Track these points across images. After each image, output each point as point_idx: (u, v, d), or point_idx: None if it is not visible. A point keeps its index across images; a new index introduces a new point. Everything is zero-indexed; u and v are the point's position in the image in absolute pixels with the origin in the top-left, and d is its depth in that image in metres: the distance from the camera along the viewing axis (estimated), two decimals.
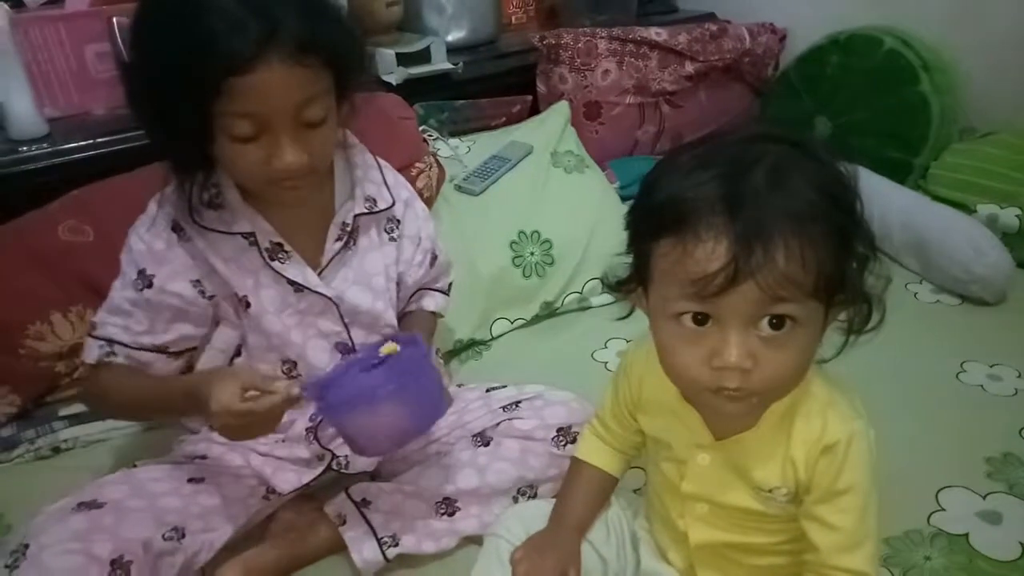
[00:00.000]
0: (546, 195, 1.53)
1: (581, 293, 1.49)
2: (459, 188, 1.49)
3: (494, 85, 1.76)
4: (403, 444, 0.88)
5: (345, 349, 0.97)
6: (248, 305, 0.93)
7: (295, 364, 0.96)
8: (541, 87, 1.82)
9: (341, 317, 0.96)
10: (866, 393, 1.15)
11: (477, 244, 1.41)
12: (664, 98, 1.90)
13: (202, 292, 0.92)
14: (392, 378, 0.80)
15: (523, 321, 1.46)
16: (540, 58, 1.81)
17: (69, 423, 1.18)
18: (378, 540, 0.93)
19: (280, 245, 0.92)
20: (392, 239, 1.02)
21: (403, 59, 1.61)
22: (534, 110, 1.78)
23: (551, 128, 1.66)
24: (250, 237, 0.91)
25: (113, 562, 0.77)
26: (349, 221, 0.96)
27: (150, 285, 0.90)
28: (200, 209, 0.90)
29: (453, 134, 1.64)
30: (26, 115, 1.32)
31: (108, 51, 1.45)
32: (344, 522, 0.96)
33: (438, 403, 0.85)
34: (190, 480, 0.93)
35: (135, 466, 0.95)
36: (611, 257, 0.71)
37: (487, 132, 1.69)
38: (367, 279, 0.99)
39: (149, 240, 0.92)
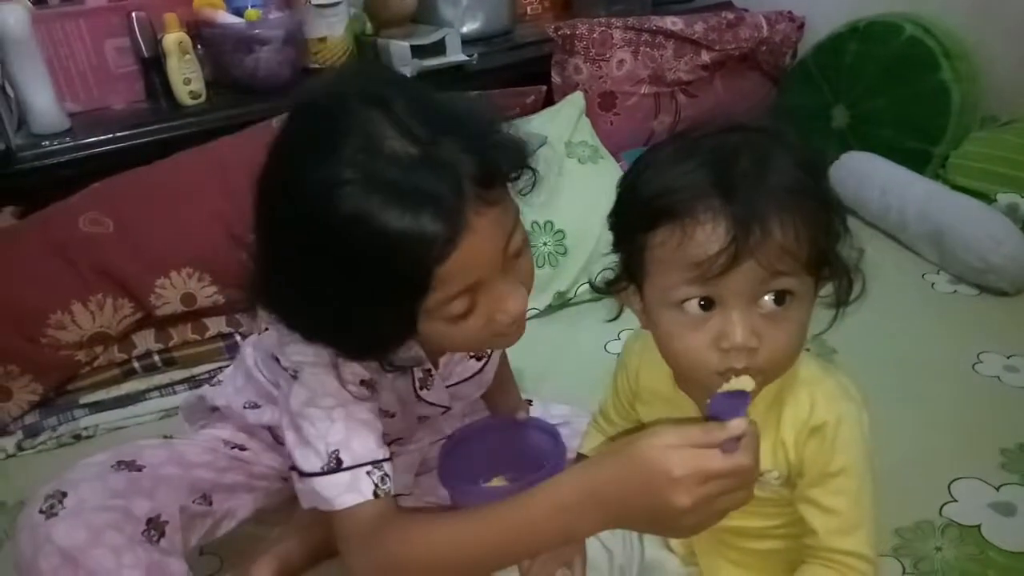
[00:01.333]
0: (559, 185, 1.53)
1: (595, 281, 1.49)
2: None
3: (509, 76, 1.76)
4: None
5: (423, 419, 0.95)
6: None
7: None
8: (556, 78, 1.82)
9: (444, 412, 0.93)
10: (881, 383, 1.16)
11: None
12: (680, 88, 1.89)
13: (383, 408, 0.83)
14: (527, 485, 0.75)
15: (536, 311, 1.46)
16: (555, 49, 1.81)
17: (90, 411, 1.21)
18: None
19: (429, 372, 0.84)
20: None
21: (418, 51, 1.62)
22: (549, 101, 1.78)
23: (566, 119, 1.66)
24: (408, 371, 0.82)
25: (150, 520, 0.78)
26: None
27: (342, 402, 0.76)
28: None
29: None
30: (47, 110, 1.35)
31: (127, 46, 1.48)
32: None
33: None
34: (224, 460, 0.93)
35: (172, 437, 0.94)
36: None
37: None
38: (483, 379, 0.93)
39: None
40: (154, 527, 0.78)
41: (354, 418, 0.74)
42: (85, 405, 1.21)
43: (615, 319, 0.74)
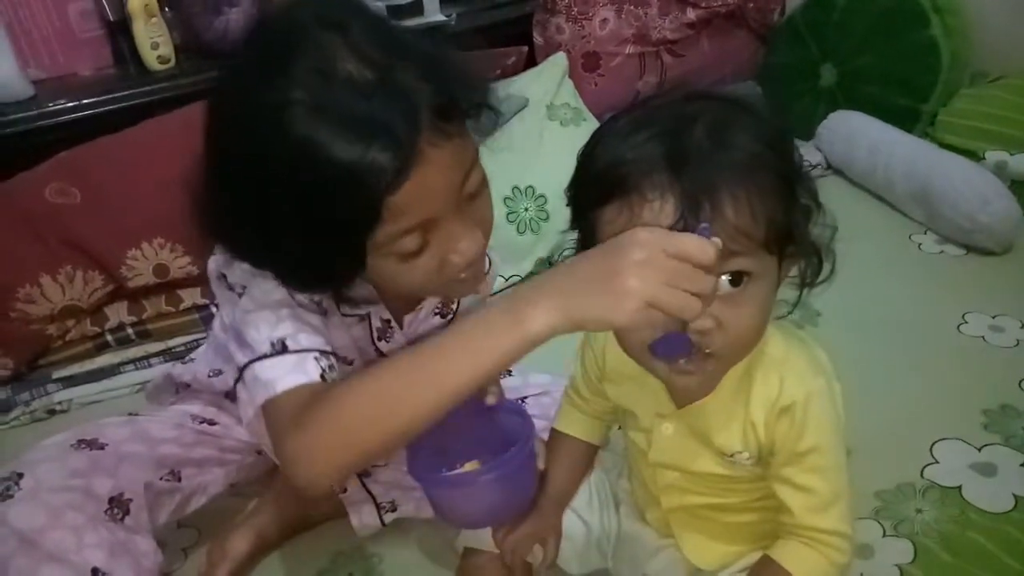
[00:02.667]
0: (541, 149, 1.50)
1: (558, 258, 1.47)
2: None
3: (489, 37, 1.72)
4: (491, 524, 0.82)
5: None
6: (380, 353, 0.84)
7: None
8: (538, 38, 1.78)
9: None
10: (864, 344, 1.16)
11: None
12: (665, 47, 1.85)
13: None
14: (502, 467, 0.76)
15: (518, 278, 1.44)
16: (536, 8, 1.76)
17: (63, 385, 1.19)
18: (377, 506, 0.94)
19: (388, 323, 0.82)
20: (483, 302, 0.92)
21: (394, 11, 1.57)
22: (531, 62, 1.74)
23: (548, 80, 1.62)
24: (366, 316, 0.80)
25: (112, 499, 0.77)
26: (455, 304, 0.86)
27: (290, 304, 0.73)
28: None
29: None
30: (10, 77, 1.31)
31: (92, 9, 1.43)
32: (344, 490, 0.96)
33: (531, 489, 0.81)
34: (192, 434, 0.92)
35: (137, 414, 0.92)
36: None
37: None
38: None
39: (297, 319, 0.71)
40: (117, 505, 0.77)
41: (302, 319, 0.70)
42: (58, 380, 1.20)
43: None
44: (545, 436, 0.90)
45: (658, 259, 0.52)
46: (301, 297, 0.71)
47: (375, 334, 0.83)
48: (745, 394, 0.65)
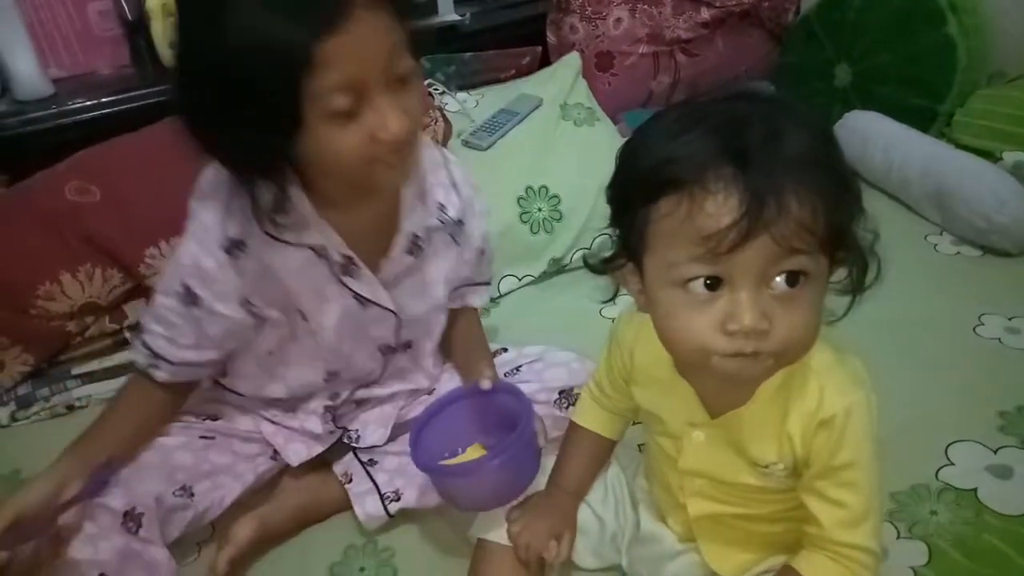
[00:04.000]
0: (555, 149, 1.50)
1: (590, 249, 1.47)
2: (466, 143, 1.47)
3: (503, 36, 1.72)
4: (498, 505, 0.83)
5: (386, 350, 0.96)
6: (305, 318, 0.88)
7: (338, 374, 0.95)
8: (551, 38, 1.78)
9: (397, 326, 0.93)
10: (880, 345, 1.15)
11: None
12: (679, 47, 1.84)
13: (252, 311, 0.85)
14: (507, 450, 0.79)
15: (531, 278, 1.45)
16: (550, 7, 1.76)
17: (83, 381, 1.20)
18: (381, 495, 0.95)
19: (350, 259, 0.85)
20: (456, 243, 0.96)
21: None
22: (544, 62, 1.74)
23: (561, 80, 1.62)
24: (320, 249, 0.83)
25: (126, 513, 0.80)
26: (421, 234, 0.89)
27: (196, 303, 0.83)
28: (265, 218, 0.79)
29: (461, 88, 1.61)
30: (31, 76, 1.33)
31: (111, 9, 1.44)
32: (350, 480, 0.98)
33: (534, 467, 0.84)
34: (202, 437, 0.94)
35: None
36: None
37: (496, 85, 1.65)
38: (427, 288, 0.94)
39: (196, 255, 0.81)
40: (131, 519, 0.80)
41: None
42: (77, 376, 1.21)
43: (610, 300, 0.70)
44: (541, 401, 0.94)
45: None
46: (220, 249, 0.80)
47: (337, 269, 0.84)
48: (782, 405, 0.63)
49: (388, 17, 0.69)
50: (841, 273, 0.60)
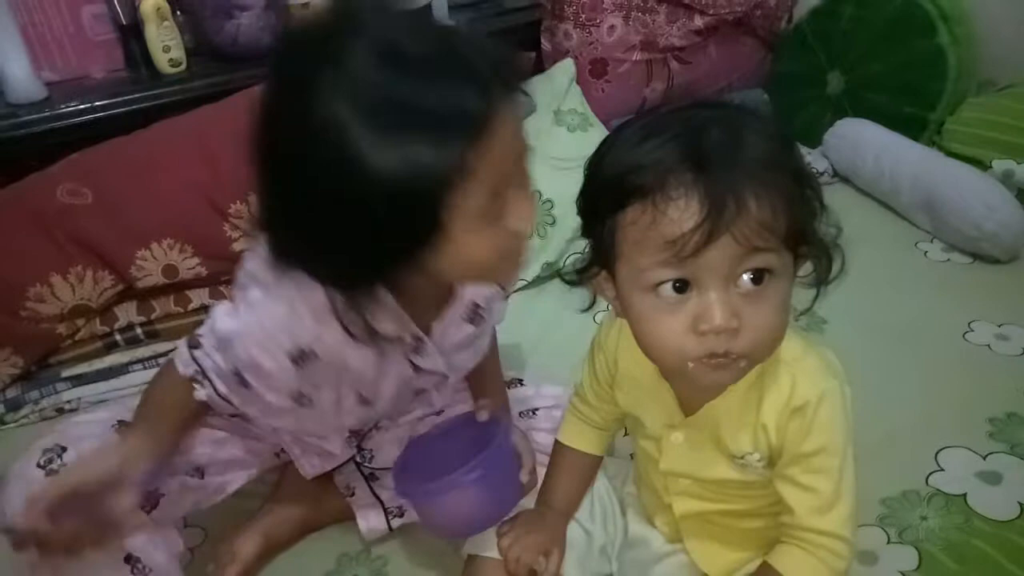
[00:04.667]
0: (548, 154, 1.50)
1: (583, 254, 1.47)
2: None
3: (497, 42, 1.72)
4: (475, 532, 0.82)
5: (421, 392, 0.93)
6: (362, 396, 0.84)
7: (371, 403, 0.87)
8: (545, 44, 1.79)
9: (441, 380, 0.90)
10: (870, 352, 1.16)
11: None
12: (672, 54, 1.85)
13: (302, 401, 0.79)
14: (483, 466, 0.78)
15: (524, 282, 1.45)
16: (544, 14, 1.77)
17: (72, 384, 1.20)
18: (385, 510, 0.94)
19: (419, 338, 0.79)
20: (473, 323, 0.89)
21: None
22: (539, 68, 1.75)
23: (555, 86, 1.63)
24: (395, 337, 0.77)
25: (149, 494, 0.78)
26: (482, 303, 0.85)
27: (246, 386, 0.75)
28: (352, 321, 0.71)
29: None
30: (23, 79, 1.32)
31: (105, 13, 1.44)
32: (352, 493, 0.97)
33: (516, 492, 0.82)
34: (221, 431, 0.91)
35: None
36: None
37: None
38: (476, 346, 0.91)
39: (256, 357, 0.73)
40: (149, 498, 0.78)
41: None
42: (67, 378, 1.20)
43: (587, 309, 0.72)
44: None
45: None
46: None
47: (408, 350, 0.80)
48: (756, 396, 0.65)
49: (515, 103, 0.63)
50: (808, 268, 0.62)
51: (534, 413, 1.00)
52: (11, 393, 1.18)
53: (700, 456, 0.69)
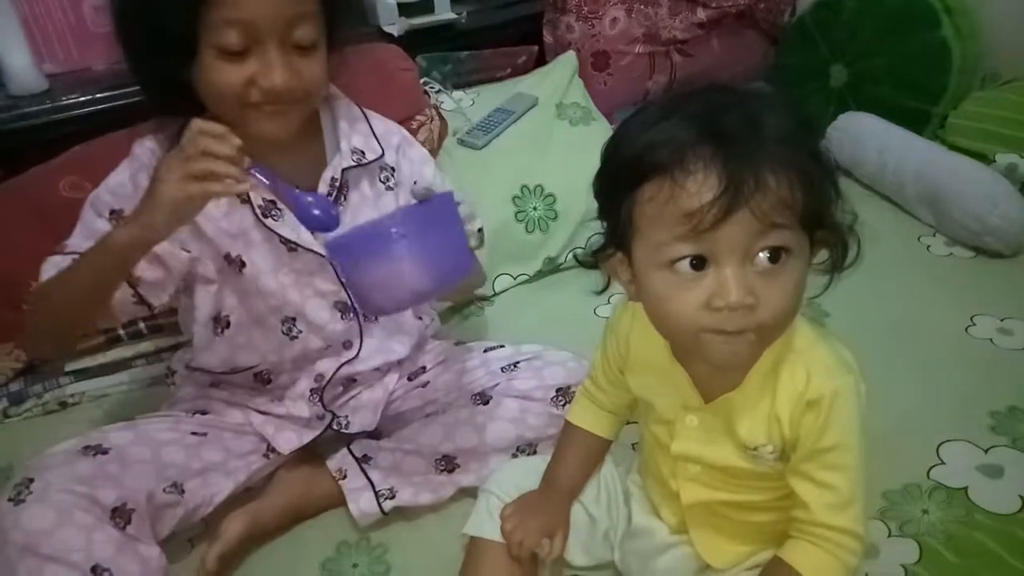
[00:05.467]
0: (550, 148, 1.50)
1: (584, 248, 1.47)
2: (461, 142, 1.47)
3: (500, 35, 1.72)
4: (421, 299, 0.80)
5: (344, 308, 0.96)
6: (243, 265, 0.91)
7: (295, 321, 0.95)
8: (548, 37, 1.78)
9: (337, 276, 0.94)
10: (872, 345, 1.15)
11: (479, 199, 1.38)
12: (675, 47, 1.85)
13: (182, 246, 0.89)
14: (411, 219, 0.74)
15: (526, 277, 1.45)
16: (547, 7, 1.76)
17: (75, 378, 1.20)
18: (375, 492, 0.95)
19: (273, 203, 0.89)
20: (389, 188, 0.99)
21: (405, 9, 1.58)
22: (541, 61, 1.74)
23: (557, 79, 1.62)
24: (241, 194, 0.87)
25: (115, 509, 0.79)
26: (337, 176, 0.93)
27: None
28: None
29: (457, 86, 1.61)
30: (25, 70, 1.32)
31: (106, 5, 1.44)
32: (344, 476, 0.97)
33: (461, 256, 0.78)
34: (193, 433, 0.94)
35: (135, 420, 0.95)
36: None
37: (492, 84, 1.65)
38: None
39: (133, 185, 0.89)
40: (119, 515, 0.79)
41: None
42: (70, 372, 1.20)
43: (601, 292, 0.72)
44: (538, 398, 0.95)
45: (174, 163, 0.73)
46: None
47: (258, 211, 0.88)
48: (771, 387, 0.65)
49: None
50: (823, 256, 0.62)
51: (515, 366, 1.01)
52: (14, 387, 1.18)
53: (713, 442, 0.69)
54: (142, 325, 1.24)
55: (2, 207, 1.19)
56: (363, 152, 0.96)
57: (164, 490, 0.86)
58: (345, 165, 0.94)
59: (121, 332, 1.23)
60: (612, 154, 0.63)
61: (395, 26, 1.55)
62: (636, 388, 0.76)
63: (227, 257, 0.91)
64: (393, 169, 1.00)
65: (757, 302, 0.57)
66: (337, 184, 0.93)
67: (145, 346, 1.25)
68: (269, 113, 0.82)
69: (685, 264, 0.58)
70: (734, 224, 0.55)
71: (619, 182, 0.61)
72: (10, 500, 0.76)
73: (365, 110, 1.01)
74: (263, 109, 0.82)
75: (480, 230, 1.10)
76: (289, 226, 0.91)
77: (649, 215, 0.59)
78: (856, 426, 0.64)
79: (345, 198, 0.95)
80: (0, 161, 1.29)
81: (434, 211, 0.77)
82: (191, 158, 0.73)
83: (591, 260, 0.68)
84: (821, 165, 0.59)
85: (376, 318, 0.99)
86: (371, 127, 0.99)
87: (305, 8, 0.79)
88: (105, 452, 0.84)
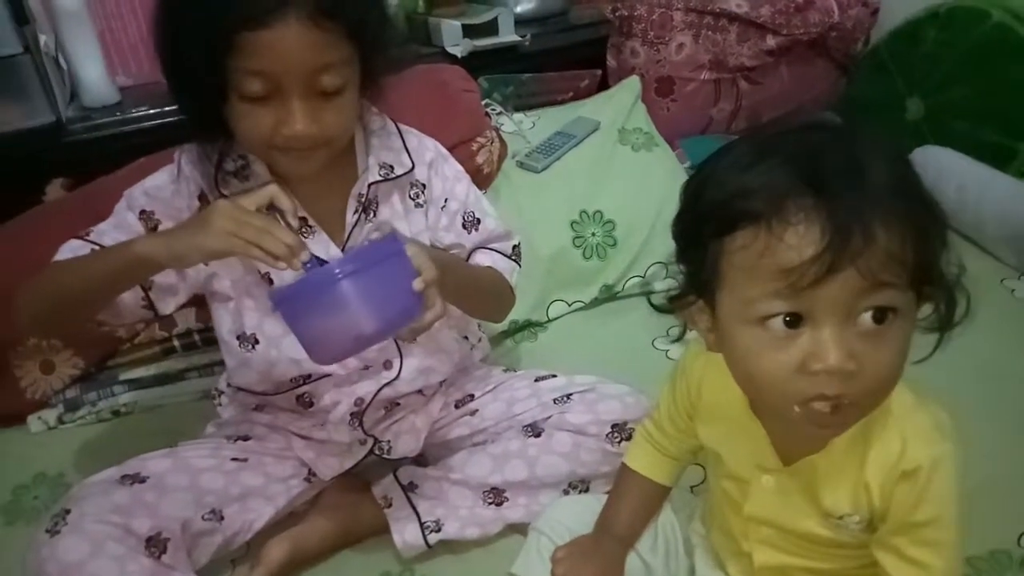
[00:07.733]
0: (611, 174, 1.47)
1: (643, 277, 1.43)
2: (521, 164, 1.45)
3: (563, 59, 1.71)
4: (360, 347, 0.77)
5: None
6: (271, 283, 0.90)
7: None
8: (611, 61, 1.76)
9: None
10: (953, 397, 1.07)
11: (537, 223, 1.37)
12: (742, 74, 1.80)
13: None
14: (352, 260, 0.72)
15: (581, 304, 1.41)
16: (612, 31, 1.74)
17: (128, 387, 1.21)
18: (421, 524, 0.92)
19: (304, 220, 0.89)
20: (419, 205, 0.97)
21: (469, 31, 1.57)
22: (603, 85, 1.72)
23: (620, 104, 1.60)
24: (275, 212, 0.85)
25: (150, 539, 0.79)
26: (364, 191, 0.92)
27: (153, 227, 0.90)
28: (227, 179, 0.89)
29: (518, 108, 1.59)
30: (98, 83, 1.35)
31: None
32: (390, 504, 0.95)
33: (407, 302, 0.75)
34: (233, 459, 0.93)
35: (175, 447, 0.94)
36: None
37: (553, 107, 1.63)
38: (435, 235, 0.96)
39: (171, 191, 0.91)
40: (154, 544, 0.79)
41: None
42: (124, 381, 1.21)
43: (678, 340, 0.68)
44: (592, 434, 0.92)
45: (233, 213, 0.77)
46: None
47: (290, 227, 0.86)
48: (861, 452, 0.59)
49: (327, 36, 0.77)
50: (926, 310, 0.57)
51: (568, 398, 0.97)
52: (70, 393, 1.20)
53: (790, 507, 0.64)
54: (196, 337, 1.25)
55: (68, 216, 1.21)
56: (392, 167, 0.94)
57: (202, 517, 0.85)
58: (372, 179, 0.92)
59: (176, 343, 1.24)
60: (698, 196, 0.58)
61: (459, 47, 1.55)
62: (706, 438, 0.71)
63: (257, 273, 0.90)
64: (424, 186, 0.98)
65: (859, 368, 0.52)
66: (363, 200, 0.92)
67: (198, 358, 1.25)
68: (295, 156, 0.83)
69: (778, 321, 0.53)
70: (837, 282, 0.50)
71: (705, 227, 0.56)
72: (47, 531, 0.76)
73: (400, 125, 0.99)
74: (289, 153, 0.83)
75: (516, 246, 1.06)
76: (320, 243, 0.90)
77: (740, 266, 0.54)
78: (955, 499, 0.58)
79: (375, 214, 0.93)
80: (71, 170, 1.32)
81: (378, 252, 0.76)
82: (250, 221, 0.76)
83: (667, 306, 0.64)
84: (933, 215, 0.54)
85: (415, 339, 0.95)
86: (404, 141, 0.97)
87: (331, 58, 0.79)
88: (143, 481, 0.84)
